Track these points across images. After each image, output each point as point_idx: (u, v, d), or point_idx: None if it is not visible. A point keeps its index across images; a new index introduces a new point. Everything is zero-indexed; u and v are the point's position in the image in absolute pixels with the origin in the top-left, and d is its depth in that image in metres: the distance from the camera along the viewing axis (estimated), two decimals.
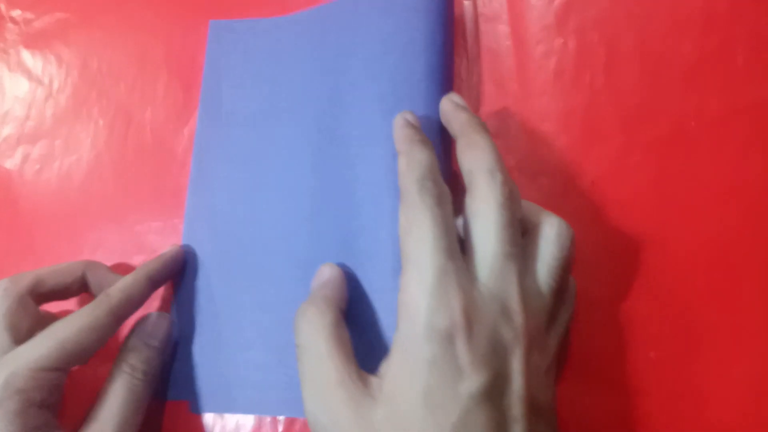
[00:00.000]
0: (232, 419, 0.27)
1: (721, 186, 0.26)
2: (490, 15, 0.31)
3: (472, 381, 0.18)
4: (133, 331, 0.27)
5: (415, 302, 0.19)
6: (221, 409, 0.27)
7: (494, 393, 0.19)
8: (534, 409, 0.19)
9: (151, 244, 0.31)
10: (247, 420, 0.27)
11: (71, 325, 0.24)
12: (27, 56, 0.34)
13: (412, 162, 0.22)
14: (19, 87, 0.34)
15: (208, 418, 0.28)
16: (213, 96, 0.32)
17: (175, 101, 0.32)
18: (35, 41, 0.34)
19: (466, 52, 0.30)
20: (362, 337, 0.24)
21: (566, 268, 0.22)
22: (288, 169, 0.29)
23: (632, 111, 0.28)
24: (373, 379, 0.20)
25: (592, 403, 0.25)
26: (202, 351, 0.28)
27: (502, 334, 0.19)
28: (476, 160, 0.22)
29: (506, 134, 0.29)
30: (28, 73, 0.34)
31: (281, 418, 0.27)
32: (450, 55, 0.28)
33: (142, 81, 0.33)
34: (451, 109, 0.25)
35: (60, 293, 0.27)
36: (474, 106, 0.30)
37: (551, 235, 0.22)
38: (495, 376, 0.19)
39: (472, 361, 0.18)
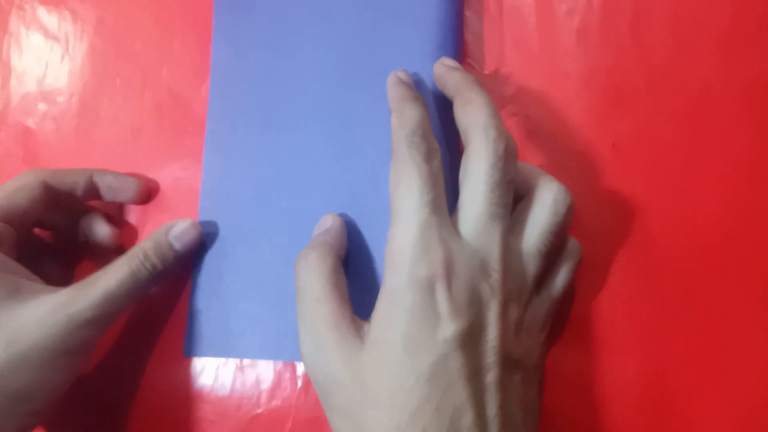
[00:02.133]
0: (252, 373, 0.28)
1: (744, 152, 0.26)
2: None
3: (449, 327, 0.20)
4: (164, 227, 0.28)
5: (400, 253, 0.21)
6: (216, 353, 0.28)
7: (469, 341, 0.20)
8: (509, 360, 0.21)
9: (171, 201, 0.31)
10: (267, 375, 0.28)
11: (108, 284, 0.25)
12: (43, 13, 0.34)
13: (403, 118, 0.23)
14: (35, 45, 0.34)
15: (229, 372, 0.28)
16: (223, 55, 0.31)
17: (192, 59, 0.32)
18: None
19: (487, 12, 0.30)
20: (359, 285, 0.25)
21: (559, 233, 0.23)
22: (295, 128, 0.30)
23: (659, 72, 0.27)
24: (363, 324, 0.22)
25: (590, 365, 0.25)
26: (205, 301, 0.29)
27: (480, 287, 0.20)
28: (471, 117, 0.22)
29: (527, 94, 0.29)
30: (45, 30, 0.34)
31: (300, 373, 0.28)
32: (459, 15, 0.29)
33: (159, 38, 0.33)
34: (444, 71, 0.26)
35: (69, 194, 0.29)
36: (495, 66, 0.29)
37: (547, 200, 0.22)
38: (470, 325, 0.20)
39: (450, 309, 0.20)
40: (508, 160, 0.22)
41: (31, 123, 0.33)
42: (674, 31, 0.28)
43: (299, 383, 0.28)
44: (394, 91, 0.25)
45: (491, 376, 0.20)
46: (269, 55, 0.31)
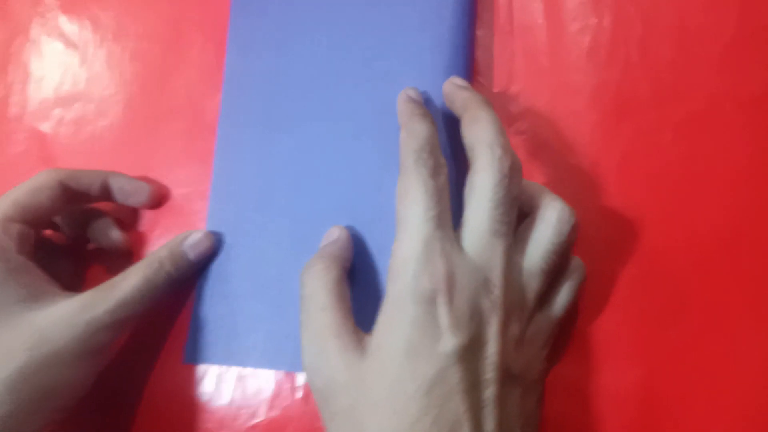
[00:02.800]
0: (253, 383, 0.28)
1: (753, 167, 0.26)
2: None
3: (449, 341, 0.20)
4: (179, 236, 0.28)
5: (403, 265, 0.21)
6: (217, 360, 0.28)
7: (469, 355, 0.20)
8: (508, 375, 0.21)
9: (181, 207, 0.31)
10: (267, 384, 0.28)
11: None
12: (64, 21, 0.35)
13: (411, 134, 0.23)
14: (55, 52, 0.35)
15: (228, 381, 0.28)
16: (238, 61, 0.32)
17: (208, 66, 0.32)
18: (72, 5, 0.35)
19: (498, 28, 0.30)
20: (363, 297, 0.25)
21: (562, 252, 0.23)
22: (305, 136, 0.30)
23: (666, 88, 0.27)
24: (365, 336, 0.22)
25: (591, 378, 0.25)
26: (209, 308, 0.29)
27: (481, 303, 0.21)
28: (477, 135, 0.23)
29: (535, 112, 0.29)
30: (65, 38, 0.35)
31: (300, 384, 0.28)
32: (468, 32, 0.29)
33: (177, 44, 0.33)
34: (453, 89, 0.26)
35: (84, 195, 0.29)
36: (505, 82, 0.29)
37: (551, 219, 0.23)
38: (471, 340, 0.20)
39: (451, 323, 0.20)
40: (512, 177, 0.22)
41: (46, 128, 0.34)
42: (681, 47, 0.28)
43: (299, 394, 0.27)
44: (404, 107, 0.25)
45: (490, 391, 0.20)
46: (282, 63, 0.31)
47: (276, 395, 0.28)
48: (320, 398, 0.22)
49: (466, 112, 0.24)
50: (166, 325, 0.29)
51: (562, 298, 0.24)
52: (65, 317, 0.24)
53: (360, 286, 0.27)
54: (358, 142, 0.29)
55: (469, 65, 0.29)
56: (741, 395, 0.24)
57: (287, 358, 0.27)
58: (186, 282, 0.29)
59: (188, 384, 0.28)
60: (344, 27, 0.31)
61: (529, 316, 0.22)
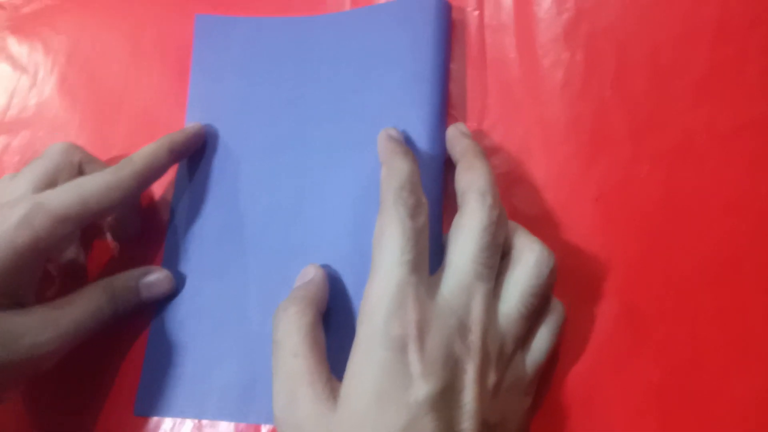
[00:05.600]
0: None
1: (730, 201, 0.26)
2: (496, 26, 0.30)
3: (420, 389, 0.19)
4: (138, 271, 0.27)
5: (374, 309, 0.20)
6: (172, 413, 0.26)
7: (442, 404, 0.19)
8: (486, 426, 0.20)
9: (132, 249, 0.29)
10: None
11: (95, 181, 0.24)
12: (13, 42, 0.33)
13: (392, 171, 0.23)
14: (1, 74, 0.32)
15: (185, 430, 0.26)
16: (201, 91, 0.31)
17: (169, 91, 0.31)
18: (22, 26, 0.33)
19: (471, 62, 0.30)
20: (338, 339, 0.24)
21: (540, 295, 0.22)
22: (273, 170, 0.29)
23: (641, 122, 0.27)
24: (338, 385, 0.21)
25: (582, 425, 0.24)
26: (162, 354, 0.27)
27: (456, 348, 0.20)
28: (471, 182, 0.23)
29: (510, 144, 0.28)
30: (12, 60, 0.33)
31: None
32: (444, 68, 0.29)
33: (135, 70, 0.32)
34: (456, 135, 0.27)
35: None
36: (478, 115, 0.29)
37: (530, 261, 0.22)
38: (444, 387, 0.19)
39: (422, 370, 0.19)
40: (499, 226, 0.22)
41: None
42: (655, 80, 0.28)
43: None
44: (384, 144, 0.25)
45: None
46: (248, 92, 0.30)
47: None
48: None
49: (463, 159, 0.24)
50: (117, 372, 0.27)
51: (542, 342, 0.23)
52: (11, 332, 0.22)
53: (334, 328, 0.25)
54: (326, 176, 0.28)
55: (444, 99, 0.29)
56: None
57: (247, 409, 0.25)
58: (134, 322, 0.27)
59: None
60: (315, 60, 0.30)
61: (508, 361, 0.22)
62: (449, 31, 0.30)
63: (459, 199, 0.23)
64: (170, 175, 0.30)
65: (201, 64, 0.31)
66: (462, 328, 0.20)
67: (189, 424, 0.26)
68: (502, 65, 0.29)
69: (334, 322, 0.25)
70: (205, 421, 0.26)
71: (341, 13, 0.31)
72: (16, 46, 0.33)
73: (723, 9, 0.28)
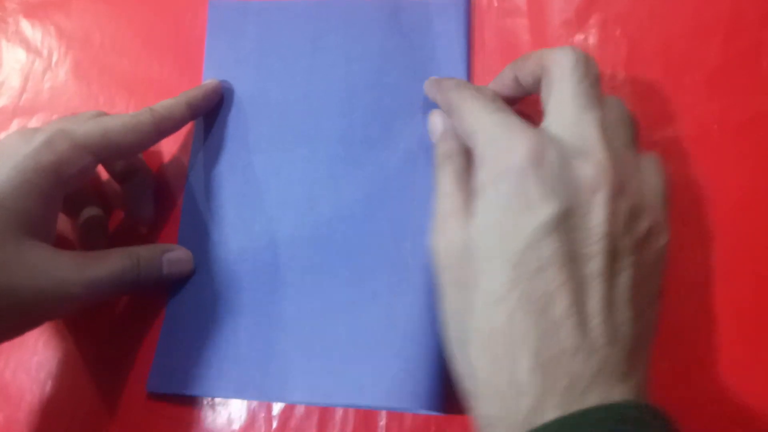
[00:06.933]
0: (224, 412, 0.26)
1: (742, 192, 0.26)
2: (509, 8, 0.30)
3: (539, 212, 0.18)
4: (162, 246, 0.27)
5: (487, 146, 0.20)
6: (182, 389, 0.26)
7: (565, 226, 0.18)
8: (618, 252, 0.18)
9: (144, 238, 0.30)
10: (240, 414, 0.26)
11: (116, 120, 0.25)
12: (26, 26, 0.33)
13: (445, 89, 0.24)
14: (16, 58, 0.33)
15: (199, 410, 0.26)
16: (217, 77, 0.31)
17: (179, 82, 0.31)
18: (35, 11, 0.33)
19: (484, 46, 0.29)
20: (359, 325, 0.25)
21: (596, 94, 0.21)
22: (285, 161, 0.29)
23: (653, 111, 0.27)
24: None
25: None
26: (176, 333, 0.27)
27: (579, 171, 0.19)
28: (543, 58, 0.22)
29: None
30: (27, 44, 0.33)
31: (275, 413, 0.26)
32: (466, 68, 0.29)
33: (147, 59, 0.32)
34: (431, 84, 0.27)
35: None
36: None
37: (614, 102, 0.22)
38: (567, 209, 0.18)
39: (541, 193, 0.18)
40: (589, 59, 0.21)
41: (2, 136, 0.31)
42: (667, 71, 0.27)
43: (274, 424, 0.26)
44: (430, 84, 0.27)
45: (594, 265, 0.18)
46: (259, 83, 0.30)
47: (249, 425, 0.26)
48: (441, 268, 0.22)
49: (525, 60, 0.24)
50: (132, 351, 0.28)
51: (650, 165, 0.21)
52: (43, 263, 0.22)
53: (347, 316, 0.26)
54: (338, 169, 0.28)
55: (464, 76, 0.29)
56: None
57: (258, 388, 0.26)
58: (145, 295, 0.28)
59: (154, 416, 0.27)
60: (331, 45, 0.30)
61: (638, 191, 0.20)
62: (470, 29, 0.30)
63: (542, 78, 0.22)
64: (184, 160, 0.30)
65: (214, 51, 0.31)
66: (585, 154, 0.19)
67: (202, 402, 0.27)
68: (514, 49, 0.29)
69: (341, 310, 0.26)
70: (218, 399, 0.26)
71: (361, 0, 0.30)
72: (29, 30, 0.33)
73: (736, 2, 0.27)
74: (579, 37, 0.29)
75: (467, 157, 0.23)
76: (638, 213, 0.19)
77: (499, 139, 0.20)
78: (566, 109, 0.20)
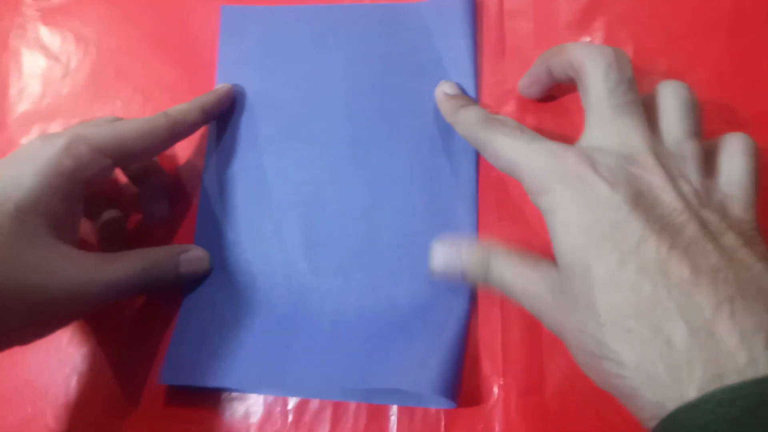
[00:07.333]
0: (241, 406, 0.27)
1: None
2: (515, 11, 0.30)
3: (613, 199, 0.18)
4: (179, 246, 0.28)
5: (537, 171, 0.21)
6: (194, 381, 0.27)
7: (644, 204, 0.18)
8: (709, 224, 0.18)
9: (161, 239, 0.30)
10: (257, 408, 0.27)
11: (131, 124, 0.26)
12: (44, 33, 0.34)
13: (464, 119, 0.25)
14: (35, 64, 0.34)
15: (216, 404, 0.27)
16: (228, 81, 0.31)
17: (191, 85, 0.32)
18: (53, 17, 0.34)
19: (489, 48, 0.30)
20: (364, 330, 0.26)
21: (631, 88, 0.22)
22: (294, 163, 0.30)
23: None
24: None
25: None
26: (191, 327, 0.28)
27: (631, 170, 0.19)
28: (574, 52, 0.22)
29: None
30: (46, 50, 0.34)
31: (290, 407, 0.27)
32: (473, 72, 0.29)
33: (161, 62, 0.32)
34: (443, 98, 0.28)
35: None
36: (496, 102, 0.29)
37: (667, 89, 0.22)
38: (636, 192, 0.19)
39: (607, 187, 0.19)
40: (620, 61, 0.21)
41: (25, 142, 0.32)
42: (671, 69, 0.28)
43: (290, 417, 0.27)
44: (445, 105, 0.27)
45: (692, 230, 0.18)
46: (269, 86, 0.31)
47: (266, 419, 0.27)
48: (540, 315, 0.21)
49: (552, 54, 0.24)
50: (152, 347, 0.29)
51: (732, 161, 0.21)
52: (69, 264, 0.23)
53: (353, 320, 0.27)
54: (346, 169, 0.29)
55: (472, 80, 0.29)
56: None
57: (271, 382, 0.26)
58: (164, 294, 0.29)
59: (173, 409, 0.28)
60: (341, 51, 0.30)
61: (699, 177, 0.20)
62: (476, 33, 0.30)
63: (575, 76, 0.23)
64: (198, 162, 0.31)
65: (227, 55, 0.32)
66: (632, 159, 0.20)
67: (220, 396, 0.27)
68: (520, 52, 0.30)
69: (352, 307, 0.27)
70: (235, 393, 0.27)
71: (368, 4, 0.31)
72: (48, 36, 0.34)
73: (738, 1, 0.28)
74: (584, 39, 0.29)
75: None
76: (706, 195, 0.19)
77: (546, 163, 0.20)
78: (606, 121, 0.21)
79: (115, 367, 0.29)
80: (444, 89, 0.27)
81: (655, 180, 0.19)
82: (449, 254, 0.24)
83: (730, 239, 0.18)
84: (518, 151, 0.21)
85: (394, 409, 0.26)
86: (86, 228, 0.30)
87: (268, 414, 0.27)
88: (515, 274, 0.22)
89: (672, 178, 0.19)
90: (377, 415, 0.26)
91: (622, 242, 0.18)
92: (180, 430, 0.27)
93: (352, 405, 0.26)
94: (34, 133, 0.33)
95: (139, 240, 0.30)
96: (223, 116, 0.31)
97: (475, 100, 0.28)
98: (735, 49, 0.28)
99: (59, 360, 0.29)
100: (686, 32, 0.28)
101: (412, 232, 0.27)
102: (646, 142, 0.20)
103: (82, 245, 0.27)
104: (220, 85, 0.30)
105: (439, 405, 0.25)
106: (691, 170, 0.20)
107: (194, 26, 0.33)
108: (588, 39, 0.29)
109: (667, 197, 0.19)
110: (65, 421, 0.28)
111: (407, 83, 0.29)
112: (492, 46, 0.30)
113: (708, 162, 0.21)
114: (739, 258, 0.17)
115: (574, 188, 0.19)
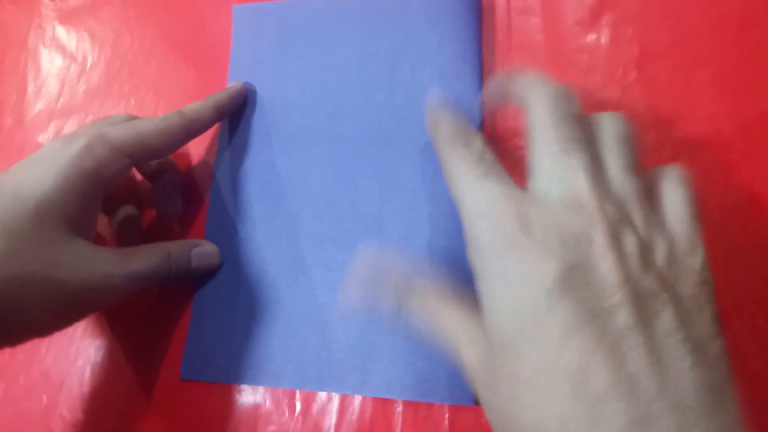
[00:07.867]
0: (249, 398, 0.28)
1: (754, 188, 0.26)
2: (523, 8, 0.30)
3: (545, 274, 0.17)
4: (190, 241, 0.29)
5: (473, 230, 0.19)
6: (214, 378, 0.28)
7: (577, 283, 0.17)
8: (646, 295, 0.17)
9: (174, 234, 0.31)
10: (265, 399, 0.28)
11: (148, 124, 0.26)
12: (62, 32, 0.35)
13: (436, 126, 0.23)
14: (53, 63, 0.34)
15: (225, 396, 0.28)
16: (240, 80, 0.32)
17: (204, 83, 0.32)
18: (70, 17, 0.35)
19: (497, 46, 0.30)
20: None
21: (625, 140, 0.21)
22: (304, 155, 0.30)
23: (664, 109, 0.27)
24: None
25: None
26: (206, 323, 0.29)
27: (572, 224, 0.18)
28: (523, 85, 0.22)
29: None
30: (63, 50, 0.34)
31: (298, 398, 0.27)
32: (479, 67, 0.29)
33: (174, 61, 0.33)
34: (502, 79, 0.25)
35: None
36: None
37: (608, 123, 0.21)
38: (568, 268, 0.17)
39: (537, 260, 0.17)
40: (562, 98, 0.20)
41: (43, 139, 0.33)
42: (678, 68, 0.28)
43: (297, 408, 0.27)
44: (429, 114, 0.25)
45: (622, 318, 0.16)
46: (279, 84, 0.31)
47: (273, 410, 0.27)
48: (478, 387, 0.20)
49: (509, 81, 0.23)
50: (164, 340, 0.29)
51: (674, 194, 0.20)
52: (90, 259, 0.24)
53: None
54: (356, 163, 0.29)
55: (479, 82, 0.29)
56: None
57: (285, 376, 0.27)
58: (181, 294, 0.29)
59: (185, 400, 0.28)
60: (350, 45, 0.31)
61: (646, 221, 0.18)
62: (482, 28, 0.30)
63: (524, 110, 0.22)
64: (210, 159, 0.31)
65: (239, 53, 0.32)
66: (572, 203, 0.18)
67: (229, 388, 0.28)
68: (528, 49, 0.30)
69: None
70: (244, 386, 0.28)
71: None
72: (65, 36, 0.35)
73: None
74: (591, 37, 0.29)
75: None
76: (652, 244, 0.18)
77: (483, 212, 0.19)
78: (547, 161, 0.20)
79: (129, 359, 0.29)
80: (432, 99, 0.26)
81: (597, 237, 0.17)
82: (363, 287, 0.23)
83: (666, 320, 0.16)
84: (463, 188, 0.20)
85: (399, 402, 0.26)
86: (102, 223, 0.30)
87: (275, 405, 0.27)
88: (440, 319, 0.21)
89: (615, 231, 0.18)
90: (383, 408, 0.26)
91: (546, 340, 0.16)
92: (190, 420, 0.28)
93: (358, 397, 0.27)
94: (51, 130, 0.33)
95: (153, 235, 0.31)
96: (235, 114, 0.31)
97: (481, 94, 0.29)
98: (742, 49, 0.27)
99: (73, 351, 0.30)
100: (693, 31, 0.28)
101: (422, 227, 0.28)
102: (591, 187, 0.18)
103: (99, 240, 0.28)
104: (232, 84, 0.31)
105: (452, 402, 0.25)
106: (636, 212, 0.19)
107: (206, 26, 0.33)
108: (595, 37, 0.29)
109: (604, 266, 0.17)
110: (79, 411, 0.29)
111: (415, 77, 0.30)
112: (500, 44, 0.30)
113: (651, 193, 0.20)
114: (669, 353, 0.16)
115: (503, 257, 0.18)
